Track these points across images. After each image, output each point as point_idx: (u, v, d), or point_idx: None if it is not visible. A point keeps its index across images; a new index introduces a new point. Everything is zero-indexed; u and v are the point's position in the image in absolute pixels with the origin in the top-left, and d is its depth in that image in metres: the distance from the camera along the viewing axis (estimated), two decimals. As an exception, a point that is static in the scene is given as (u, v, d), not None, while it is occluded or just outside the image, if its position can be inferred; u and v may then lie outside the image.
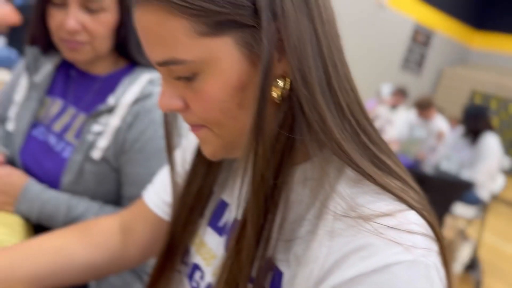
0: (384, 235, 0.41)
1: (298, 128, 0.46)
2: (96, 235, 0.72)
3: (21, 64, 1.05)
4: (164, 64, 0.46)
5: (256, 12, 0.43)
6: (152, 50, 0.46)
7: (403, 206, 0.44)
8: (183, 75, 0.46)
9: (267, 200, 0.47)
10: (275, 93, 0.46)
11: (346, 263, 0.42)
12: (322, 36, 0.45)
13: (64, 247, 0.68)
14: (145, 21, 0.45)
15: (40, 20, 0.91)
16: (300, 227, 0.48)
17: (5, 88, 1.07)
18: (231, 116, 0.47)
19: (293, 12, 0.43)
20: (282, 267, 0.48)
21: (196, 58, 0.44)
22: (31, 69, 1.00)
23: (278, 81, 0.46)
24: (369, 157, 0.47)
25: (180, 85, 0.47)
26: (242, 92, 0.46)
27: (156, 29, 0.44)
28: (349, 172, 0.47)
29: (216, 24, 0.43)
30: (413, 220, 0.43)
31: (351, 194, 0.45)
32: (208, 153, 0.53)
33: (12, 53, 3.34)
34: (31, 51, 1.00)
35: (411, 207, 0.44)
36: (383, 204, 0.44)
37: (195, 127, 0.51)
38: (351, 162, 0.45)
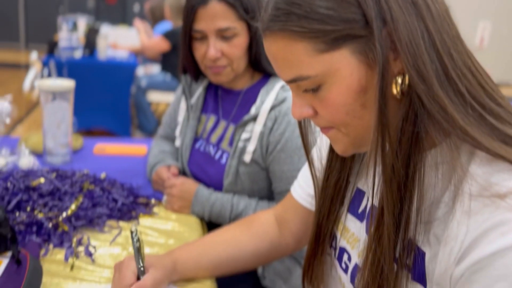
0: None
1: (421, 119, 0.50)
2: (258, 227, 0.85)
3: (179, 90, 1.27)
4: (292, 82, 0.54)
5: (367, 22, 0.49)
6: (281, 70, 0.55)
7: None
8: (310, 88, 0.54)
9: (401, 188, 0.51)
10: (395, 90, 0.51)
11: (486, 239, 0.44)
12: (434, 31, 0.48)
13: (234, 239, 0.83)
14: (273, 49, 0.54)
15: (188, 54, 1.10)
16: (438, 209, 0.52)
17: (170, 112, 1.31)
18: (356, 116, 0.53)
19: (401, 15, 0.48)
20: (424, 247, 0.52)
21: (319, 72, 0.52)
22: (187, 94, 1.20)
23: (397, 79, 0.50)
24: (499, 136, 0.48)
25: (308, 96, 0.55)
26: (364, 94, 0.52)
27: (282, 54, 0.53)
28: (480, 153, 0.49)
29: (333, 40, 0.50)
30: None
31: (484, 174, 0.48)
32: (339, 150, 0.60)
33: (167, 76, 3.85)
34: (185, 79, 1.21)
35: None
36: None
37: (325, 129, 0.58)
38: (479, 145, 0.48)
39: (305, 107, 0.57)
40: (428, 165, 0.53)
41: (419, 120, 0.50)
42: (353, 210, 0.67)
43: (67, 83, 1.25)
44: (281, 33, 0.52)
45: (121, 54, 3.91)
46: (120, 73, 3.61)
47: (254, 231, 0.85)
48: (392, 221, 0.52)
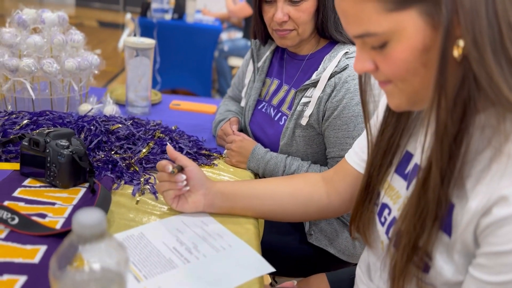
0: None
1: (473, 86, 0.52)
2: (301, 178, 0.92)
3: (248, 53, 1.33)
4: (360, 37, 0.58)
5: None
6: (350, 26, 0.59)
7: None
8: (375, 45, 0.57)
9: (451, 145, 0.54)
10: (456, 52, 0.52)
11: None
12: (499, 1, 0.49)
13: (275, 181, 0.93)
14: (343, 4, 0.57)
15: (258, 17, 1.14)
16: (474, 166, 0.55)
17: (238, 74, 1.38)
18: (415, 73, 0.56)
19: None
20: (454, 199, 0.56)
21: (386, 30, 0.54)
22: (255, 57, 1.26)
23: (458, 42, 0.51)
24: None
25: (371, 51, 0.58)
26: (426, 53, 0.54)
27: (352, 10, 0.56)
28: None
29: (402, 1, 0.52)
30: None
31: None
32: (393, 104, 0.63)
33: (248, 42, 3.93)
34: (254, 42, 1.26)
35: None
36: None
37: (382, 83, 0.61)
38: None
39: (367, 62, 0.60)
40: (476, 126, 0.55)
41: (472, 86, 0.51)
42: (400, 170, 0.70)
43: (149, 41, 1.37)
44: None
45: (208, 19, 4.04)
46: (205, 37, 3.75)
47: (295, 181, 0.91)
48: (439, 178, 0.55)
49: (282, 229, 1.16)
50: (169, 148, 0.88)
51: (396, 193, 0.70)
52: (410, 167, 0.68)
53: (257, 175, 1.13)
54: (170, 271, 0.72)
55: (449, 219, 0.56)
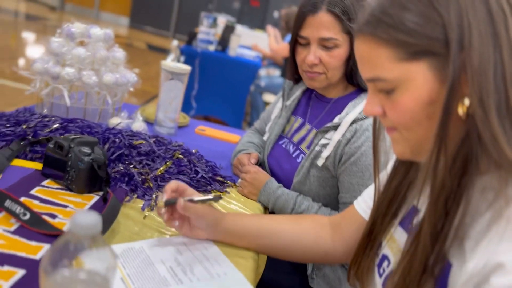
0: None
1: (477, 145, 0.52)
2: (308, 220, 0.92)
3: (280, 92, 1.37)
4: (371, 81, 0.60)
5: (447, 43, 0.52)
6: (363, 69, 0.61)
7: None
8: (384, 89, 0.59)
9: (446, 204, 0.54)
10: (461, 110, 0.53)
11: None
12: (509, 63, 0.51)
13: (279, 219, 0.92)
14: (360, 49, 0.60)
15: (292, 58, 1.18)
16: (474, 227, 0.54)
17: (268, 109, 1.42)
18: (420, 124, 0.57)
19: (479, 43, 0.51)
20: (453, 259, 0.55)
21: (396, 77, 0.57)
22: (285, 95, 1.30)
23: (464, 100, 0.53)
24: None
25: (381, 97, 0.60)
26: (431, 106, 0.55)
27: (367, 55, 0.59)
28: None
29: (414, 53, 0.55)
30: None
31: None
32: (397, 152, 0.64)
33: (284, 81, 4.00)
34: (287, 82, 1.30)
35: None
36: None
37: (389, 129, 0.63)
38: None
39: (376, 106, 0.62)
40: (476, 188, 0.55)
41: (475, 145, 0.52)
42: (404, 224, 0.70)
43: (184, 67, 1.43)
44: (370, 37, 0.57)
45: (249, 54, 4.17)
46: (244, 71, 3.86)
47: (302, 222, 0.91)
48: (430, 235, 0.55)
49: (284, 267, 1.15)
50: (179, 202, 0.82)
51: (397, 246, 0.69)
52: (414, 221, 0.68)
53: (266, 209, 1.14)
54: (162, 288, 0.73)
55: (445, 279, 0.55)
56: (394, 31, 0.55)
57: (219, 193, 1.11)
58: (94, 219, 0.47)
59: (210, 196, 0.86)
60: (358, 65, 0.62)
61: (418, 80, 0.55)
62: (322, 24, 1.07)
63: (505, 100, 0.50)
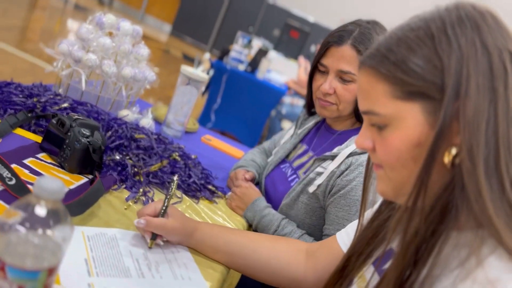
0: None
1: (459, 197, 0.51)
2: (284, 243, 0.90)
3: (295, 121, 1.38)
4: (365, 113, 0.60)
5: (442, 88, 0.52)
6: (360, 100, 0.62)
7: None
8: (377, 124, 0.59)
9: (416, 253, 0.53)
10: (446, 159, 0.53)
11: None
12: (502, 121, 0.50)
13: (256, 238, 0.90)
14: (361, 80, 0.61)
15: (309, 84, 1.19)
16: (441, 282, 0.52)
17: (281, 133, 1.43)
18: (405, 166, 0.57)
19: (476, 95, 0.51)
20: None
21: (388, 113, 0.56)
22: (298, 124, 1.31)
23: (451, 149, 0.52)
24: None
25: (374, 131, 0.60)
26: (418, 148, 0.55)
27: (366, 87, 0.59)
28: (503, 249, 0.49)
29: (409, 93, 0.55)
30: None
31: (498, 268, 0.48)
32: (379, 189, 0.63)
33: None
34: (304, 112, 1.31)
35: None
36: None
37: (376, 166, 0.63)
38: (501, 240, 0.48)
39: (368, 140, 0.62)
40: (450, 243, 0.53)
41: (458, 196, 0.51)
42: (378, 265, 0.69)
43: (203, 75, 1.45)
44: (371, 70, 0.58)
45: (276, 80, 4.21)
46: (268, 95, 3.89)
47: (277, 244, 0.90)
48: (396, 278, 0.54)
49: (255, 286, 1.14)
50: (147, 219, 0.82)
51: (366, 286, 0.67)
52: (387, 265, 0.67)
53: (250, 226, 1.13)
54: (123, 278, 0.72)
55: None
56: (394, 68, 0.55)
57: (207, 200, 1.11)
58: (57, 186, 0.48)
59: (170, 193, 0.86)
60: (357, 96, 0.63)
61: (409, 121, 0.55)
62: (344, 57, 1.08)
63: (494, 156, 0.49)
